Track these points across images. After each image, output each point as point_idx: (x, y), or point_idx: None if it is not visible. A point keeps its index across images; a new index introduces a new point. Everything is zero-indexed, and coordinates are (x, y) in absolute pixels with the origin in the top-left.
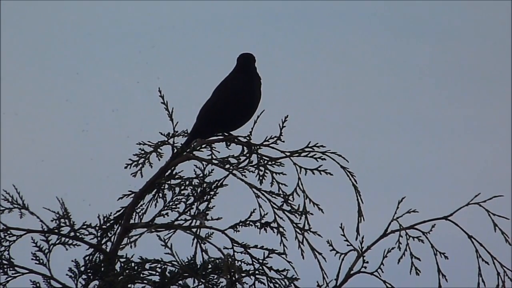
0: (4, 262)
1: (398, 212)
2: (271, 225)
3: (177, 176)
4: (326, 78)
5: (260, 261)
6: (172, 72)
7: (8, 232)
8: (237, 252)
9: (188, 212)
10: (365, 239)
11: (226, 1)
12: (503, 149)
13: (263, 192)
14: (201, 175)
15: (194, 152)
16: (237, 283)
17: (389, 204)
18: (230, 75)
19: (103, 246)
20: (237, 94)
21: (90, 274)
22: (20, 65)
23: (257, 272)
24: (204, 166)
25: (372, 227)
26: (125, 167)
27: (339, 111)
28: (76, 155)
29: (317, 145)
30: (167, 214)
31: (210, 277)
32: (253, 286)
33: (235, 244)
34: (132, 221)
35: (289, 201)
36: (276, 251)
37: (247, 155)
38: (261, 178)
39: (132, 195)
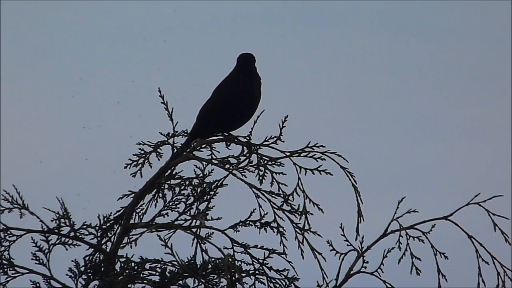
0: (4, 262)
1: (398, 212)
2: (271, 225)
3: (177, 176)
4: (326, 78)
5: (260, 261)
6: (172, 72)
7: (8, 232)
8: (237, 252)
9: (188, 212)
10: (365, 239)
11: (226, 1)
12: (503, 149)
13: (263, 192)
14: (201, 175)
15: (194, 152)
16: (237, 283)
17: (389, 204)
18: (230, 75)
19: (103, 246)
20: (237, 94)
21: (90, 274)
22: (20, 65)
23: (257, 272)
24: (204, 166)
25: (372, 227)
26: (125, 167)
27: (339, 111)
28: (76, 155)
29: (317, 145)
30: (167, 214)
31: (210, 277)
32: (253, 286)
33: (235, 244)
34: (132, 221)
35: (289, 201)
36: (276, 251)
37: (247, 155)
38: (261, 178)
39: (132, 195)
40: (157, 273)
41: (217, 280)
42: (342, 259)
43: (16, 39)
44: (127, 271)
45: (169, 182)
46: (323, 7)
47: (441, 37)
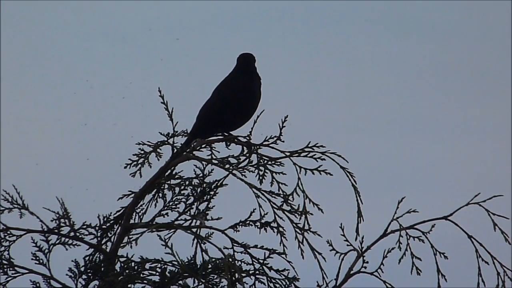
0: (4, 262)
1: (398, 212)
2: (271, 225)
3: (177, 176)
4: (326, 78)
5: (261, 261)
6: (172, 72)
7: (8, 232)
8: (237, 252)
9: (188, 212)
10: (365, 239)
11: (226, 1)
12: (503, 149)
13: (263, 192)
14: (201, 175)
15: (194, 152)
16: (237, 283)
17: (389, 204)
18: (230, 75)
19: (103, 246)
20: (237, 94)
21: (90, 274)
22: (20, 65)
23: (257, 272)
24: (204, 166)
25: (372, 227)
26: (125, 167)
27: (339, 111)
28: (76, 155)
29: (317, 145)
30: (167, 214)
31: (210, 277)
32: (253, 286)
33: (235, 244)
34: (132, 221)
35: (289, 201)
36: (276, 251)
37: (247, 155)
38: (261, 178)
39: (132, 195)
40: (157, 273)
41: (217, 280)
42: (342, 259)
43: (16, 39)
44: (127, 271)
45: (169, 182)
46: (323, 7)
47: (441, 37)
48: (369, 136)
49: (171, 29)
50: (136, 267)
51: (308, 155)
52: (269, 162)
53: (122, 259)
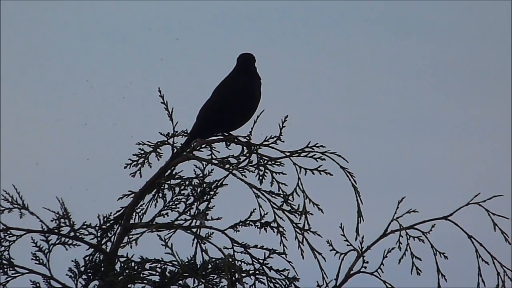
0: (4, 262)
1: (398, 212)
2: (271, 225)
3: (177, 176)
4: (326, 78)
5: (261, 261)
6: (172, 72)
7: (8, 232)
8: (237, 252)
9: (188, 212)
10: (365, 239)
11: (226, 1)
12: (503, 149)
13: (263, 192)
14: (201, 175)
15: (194, 152)
16: (237, 283)
17: (389, 204)
18: (230, 75)
19: (103, 246)
20: (237, 94)
21: (90, 274)
22: (20, 65)
23: (257, 272)
24: (204, 166)
25: (372, 227)
26: (125, 167)
27: (339, 111)
28: (76, 155)
29: (317, 145)
30: (167, 214)
31: (210, 277)
32: (253, 286)
33: (235, 244)
34: (132, 221)
35: (289, 201)
36: (276, 251)
37: (247, 155)
38: (261, 178)
39: (132, 195)
40: (157, 273)
41: (217, 280)
42: (342, 259)
43: (16, 39)
44: (127, 271)
45: (169, 182)
46: (323, 7)
47: (441, 37)
48: (369, 136)
49: (171, 29)
50: (136, 267)
51: (308, 155)
52: (269, 162)
53: (122, 259)
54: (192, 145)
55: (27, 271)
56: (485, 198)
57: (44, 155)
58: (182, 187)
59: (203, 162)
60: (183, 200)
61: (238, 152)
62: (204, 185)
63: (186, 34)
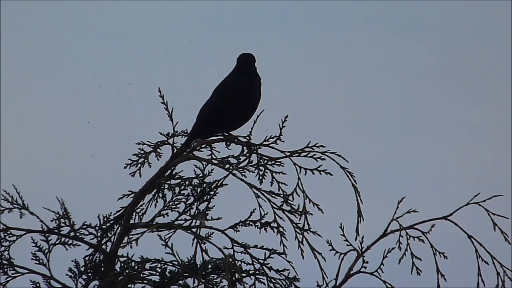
0: (4, 262)
1: (398, 212)
2: (271, 225)
3: (177, 176)
4: (326, 78)
5: (261, 261)
6: (172, 72)
7: (8, 232)
8: (237, 252)
9: (188, 212)
10: (365, 239)
11: (226, 1)
12: (503, 149)
13: (263, 192)
14: (201, 175)
15: (194, 152)
16: (238, 283)
17: (389, 204)
18: (230, 75)
19: (103, 246)
20: (237, 94)
21: (90, 274)
22: (20, 65)
23: (257, 272)
24: (204, 166)
25: (372, 227)
26: (125, 167)
27: (339, 111)
28: (76, 155)
29: (317, 145)
30: (167, 214)
31: (210, 277)
32: (253, 286)
33: (235, 244)
34: (132, 221)
35: (289, 201)
36: (276, 251)
37: (247, 155)
38: (261, 178)
39: (132, 195)
40: (157, 273)
41: (217, 280)
42: (342, 259)
43: (16, 39)
44: (127, 271)
45: (169, 182)
46: (323, 7)
47: (441, 37)
48: (369, 136)
49: (171, 29)
50: (136, 267)
51: (308, 155)
52: (269, 162)
53: (122, 259)
54: (192, 145)
55: (27, 271)
56: (485, 198)
57: (44, 155)
58: (182, 187)
59: (203, 162)
60: (183, 200)
61: (238, 152)
62: (204, 185)
63: (186, 34)
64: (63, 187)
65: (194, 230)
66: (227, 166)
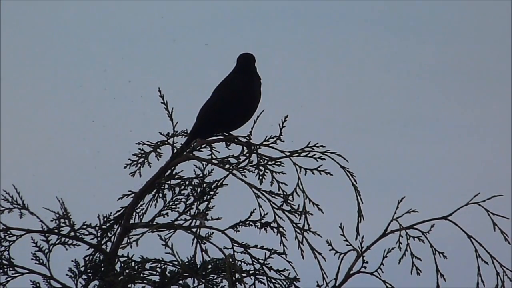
0: (4, 262)
1: (398, 212)
2: (271, 225)
3: (177, 176)
4: (326, 78)
5: (261, 261)
6: (172, 72)
7: (8, 232)
8: (237, 252)
9: (188, 212)
10: (365, 239)
11: (226, 1)
12: (503, 149)
13: (263, 192)
14: (201, 175)
15: (194, 152)
16: (238, 283)
17: (389, 204)
18: (230, 75)
19: (103, 246)
20: (237, 94)
21: (90, 274)
22: (20, 64)
23: (257, 272)
24: (204, 166)
25: (372, 227)
26: (125, 167)
27: (339, 111)
28: (76, 155)
29: (317, 145)
30: (167, 214)
31: (210, 277)
32: (253, 286)
33: (235, 244)
34: (132, 221)
35: (289, 201)
36: (276, 251)
37: (247, 155)
38: (261, 178)
39: (132, 195)
40: (157, 273)
41: (217, 280)
42: (342, 259)
43: (16, 39)
44: (127, 271)
45: (169, 182)
46: (323, 7)
47: (441, 37)
48: (369, 136)
49: (171, 29)
50: (136, 267)
51: (308, 155)
52: (269, 162)
53: (122, 259)
54: (192, 145)
55: (27, 271)
56: (485, 198)
57: (44, 155)
58: (182, 187)
59: (203, 162)
60: (183, 200)
61: (238, 152)
62: (204, 185)
63: (186, 34)
64: (63, 187)
65: (194, 230)
66: (227, 166)
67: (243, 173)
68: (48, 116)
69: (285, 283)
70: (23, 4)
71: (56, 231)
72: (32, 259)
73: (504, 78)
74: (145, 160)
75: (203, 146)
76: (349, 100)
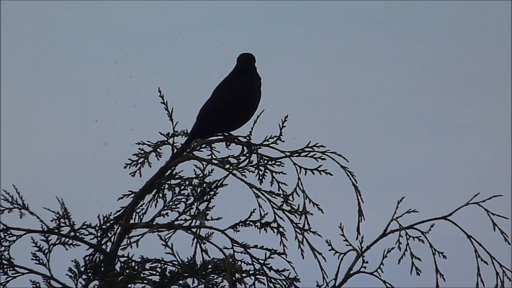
0: (4, 262)
1: (398, 212)
2: (271, 225)
3: (177, 176)
4: (326, 78)
5: (261, 261)
6: (172, 72)
7: (8, 232)
8: (237, 252)
9: (188, 212)
10: (365, 239)
11: (226, 1)
12: (503, 149)
13: (263, 192)
14: (201, 175)
15: (194, 152)
16: (238, 283)
17: (389, 204)
18: (230, 75)
19: (103, 246)
20: (237, 94)
21: (90, 274)
22: (20, 64)
23: (257, 272)
24: (204, 166)
25: (372, 227)
26: (125, 167)
27: (339, 111)
28: (76, 155)
29: (317, 145)
30: (167, 214)
31: (210, 277)
32: (253, 286)
33: (235, 244)
34: (132, 221)
35: (289, 201)
36: (276, 251)
37: (247, 155)
38: (261, 178)
39: (132, 195)
40: (157, 273)
41: (217, 280)
42: (342, 259)
43: (16, 39)
44: (127, 271)
45: (169, 182)
46: (323, 7)
47: (442, 38)
48: (369, 136)
49: (171, 29)
50: (136, 267)
51: (308, 155)
52: (269, 162)
53: (122, 259)
54: (192, 145)
55: (27, 271)
56: (485, 198)
57: (44, 155)
58: (182, 187)
59: (203, 162)
60: (183, 200)
61: (238, 152)
62: (204, 185)
63: (186, 34)
64: (63, 187)
65: (194, 230)
66: (227, 166)
67: (243, 173)
68: (48, 116)
69: (285, 283)
70: (23, 4)
71: (56, 231)
72: (32, 259)
73: (504, 78)
74: (145, 160)
75: (203, 146)
76: (349, 100)
